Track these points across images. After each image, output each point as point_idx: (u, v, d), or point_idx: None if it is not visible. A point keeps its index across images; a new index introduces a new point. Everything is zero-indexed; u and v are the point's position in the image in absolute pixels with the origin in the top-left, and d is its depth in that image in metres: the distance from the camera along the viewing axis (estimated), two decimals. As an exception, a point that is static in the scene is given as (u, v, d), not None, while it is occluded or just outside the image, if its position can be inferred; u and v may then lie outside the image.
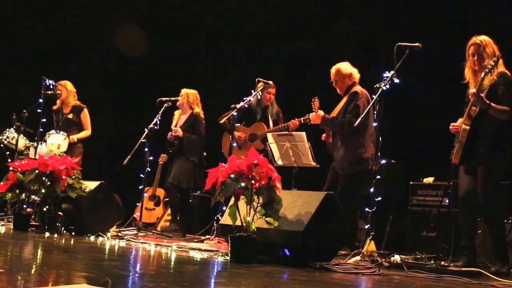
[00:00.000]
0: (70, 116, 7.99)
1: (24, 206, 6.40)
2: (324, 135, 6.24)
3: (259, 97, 7.13)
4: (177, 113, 7.70)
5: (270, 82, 7.07)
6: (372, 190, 5.40)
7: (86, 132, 8.01)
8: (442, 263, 4.92)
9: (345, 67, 6.17)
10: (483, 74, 4.74)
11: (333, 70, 6.20)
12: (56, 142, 7.61)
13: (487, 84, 4.83)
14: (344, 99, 6.11)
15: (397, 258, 5.03)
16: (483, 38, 4.96)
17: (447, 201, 6.08)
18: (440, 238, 5.98)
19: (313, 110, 6.20)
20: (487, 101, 4.71)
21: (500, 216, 5.10)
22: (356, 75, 6.17)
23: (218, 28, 9.97)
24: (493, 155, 4.84)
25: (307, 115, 6.38)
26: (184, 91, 7.61)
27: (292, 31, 9.10)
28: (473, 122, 4.87)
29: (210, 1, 10.08)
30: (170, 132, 7.46)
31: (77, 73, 9.54)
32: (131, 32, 9.87)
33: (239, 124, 7.17)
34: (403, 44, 5.31)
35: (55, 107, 8.10)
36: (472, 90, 4.75)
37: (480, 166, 4.88)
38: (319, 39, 8.65)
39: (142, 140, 7.04)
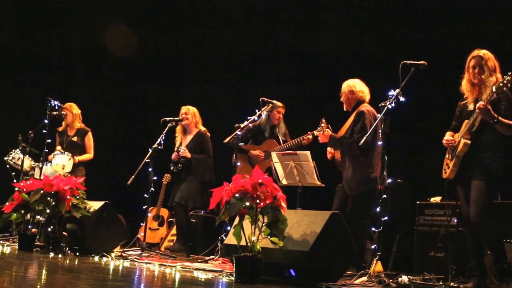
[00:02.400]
0: (75, 139, 8.04)
1: (29, 226, 6.39)
2: (331, 151, 6.19)
3: (263, 116, 7.11)
4: (178, 130, 7.66)
5: (274, 101, 7.06)
6: (378, 209, 5.35)
7: (88, 155, 8.07)
8: (451, 284, 4.85)
9: (350, 83, 6.14)
10: (494, 88, 4.65)
11: (343, 84, 6.20)
12: (61, 162, 7.65)
13: (485, 99, 4.79)
14: (351, 118, 6.07)
15: (404, 278, 4.98)
16: (485, 52, 4.92)
17: (455, 220, 6.01)
18: (448, 259, 5.89)
19: (320, 128, 6.17)
20: (495, 115, 4.66)
21: (495, 234, 4.96)
22: (361, 93, 6.10)
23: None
24: (489, 172, 4.78)
25: (318, 128, 6.30)
26: (191, 109, 7.58)
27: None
28: (472, 137, 4.83)
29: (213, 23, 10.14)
30: (175, 153, 7.43)
31: (81, 93, 9.59)
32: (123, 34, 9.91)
33: (242, 143, 7.14)
34: (408, 62, 5.29)
35: (60, 129, 8.15)
36: (481, 102, 4.69)
37: (473, 181, 4.81)
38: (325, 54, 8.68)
39: (146, 160, 7.01)
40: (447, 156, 5.00)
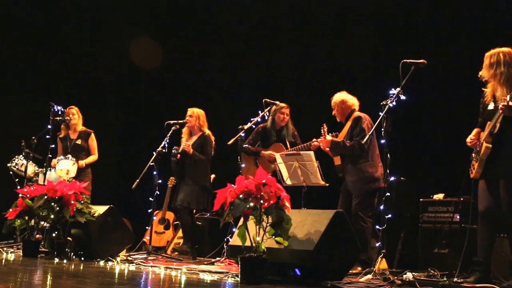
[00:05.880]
0: (79, 141, 8.05)
1: (34, 232, 6.38)
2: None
3: (266, 117, 7.12)
4: (184, 132, 7.65)
5: (277, 102, 7.06)
6: (382, 207, 5.38)
7: (94, 157, 8.09)
8: (455, 279, 4.86)
9: (339, 95, 6.34)
10: (508, 97, 4.63)
11: (331, 100, 6.37)
12: (65, 167, 7.65)
13: (499, 96, 4.79)
14: (348, 125, 6.24)
15: (409, 275, 4.98)
16: (496, 50, 4.93)
17: (458, 217, 6.02)
18: (452, 255, 5.91)
19: (322, 134, 6.24)
20: None
21: None
22: (352, 101, 6.29)
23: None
24: None
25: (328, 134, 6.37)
26: (195, 111, 7.54)
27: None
28: (494, 140, 4.82)
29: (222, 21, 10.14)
30: (173, 151, 7.41)
31: (85, 98, 9.61)
32: (145, 45, 9.93)
33: (247, 145, 7.13)
34: (408, 60, 5.33)
35: (61, 135, 8.15)
36: (503, 103, 4.68)
37: (501, 179, 4.82)
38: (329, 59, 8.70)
39: (151, 164, 7.03)
40: (473, 155, 5.01)
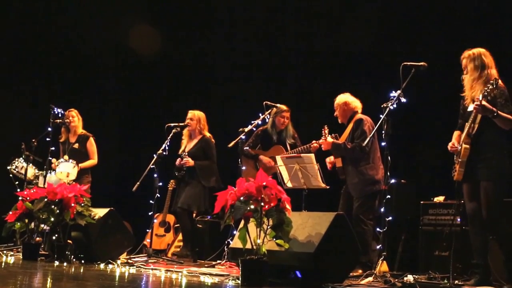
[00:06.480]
0: (76, 146, 8.01)
1: (34, 235, 6.37)
2: (330, 161, 6.27)
3: (267, 120, 7.12)
4: (185, 134, 7.65)
5: (278, 105, 7.05)
6: (382, 210, 5.38)
7: (91, 161, 8.03)
8: (456, 282, 4.86)
9: (342, 96, 6.35)
10: (481, 96, 4.71)
11: (334, 101, 6.38)
12: (65, 170, 7.64)
13: (479, 96, 4.81)
14: (349, 127, 6.24)
15: (410, 278, 4.99)
16: (474, 50, 5.02)
17: (459, 219, 6.02)
18: (453, 257, 5.89)
19: (323, 136, 6.25)
20: (494, 109, 4.69)
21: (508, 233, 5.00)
22: (355, 104, 6.30)
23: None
24: (494, 172, 4.81)
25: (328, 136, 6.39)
26: (196, 114, 7.52)
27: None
28: (472, 140, 4.85)
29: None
30: (179, 159, 7.42)
31: (85, 100, 9.60)
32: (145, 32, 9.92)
33: (247, 148, 7.12)
34: (408, 63, 5.33)
35: (61, 139, 8.13)
36: (476, 102, 4.72)
37: (481, 182, 4.85)
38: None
39: (151, 166, 7.02)
40: (455, 158, 5.04)
